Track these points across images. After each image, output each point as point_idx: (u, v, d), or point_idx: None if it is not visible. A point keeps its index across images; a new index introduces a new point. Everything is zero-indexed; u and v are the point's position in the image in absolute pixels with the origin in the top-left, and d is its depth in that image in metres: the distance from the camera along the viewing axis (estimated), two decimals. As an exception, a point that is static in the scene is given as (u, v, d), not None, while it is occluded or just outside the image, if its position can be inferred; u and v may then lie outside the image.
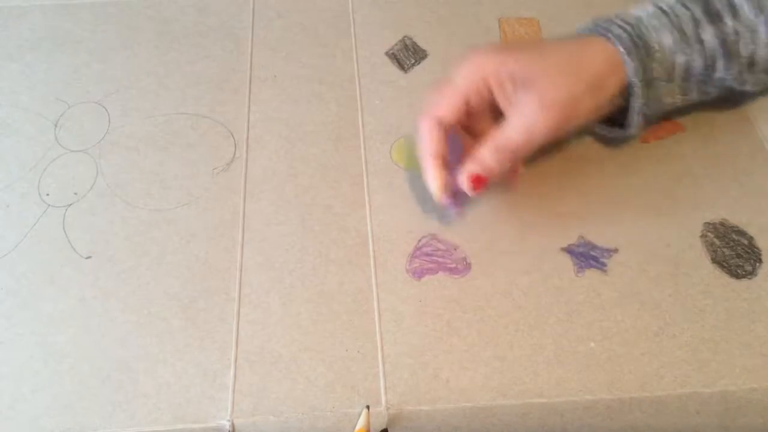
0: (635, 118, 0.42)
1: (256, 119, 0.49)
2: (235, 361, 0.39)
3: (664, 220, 0.44)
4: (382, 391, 0.38)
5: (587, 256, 0.43)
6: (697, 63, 0.42)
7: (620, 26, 0.41)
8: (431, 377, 0.38)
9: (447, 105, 0.40)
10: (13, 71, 0.52)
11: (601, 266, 0.42)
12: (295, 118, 0.49)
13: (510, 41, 0.53)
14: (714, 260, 0.42)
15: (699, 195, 0.45)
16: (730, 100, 0.47)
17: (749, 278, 0.42)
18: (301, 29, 0.54)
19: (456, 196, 0.41)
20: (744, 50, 0.42)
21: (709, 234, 0.43)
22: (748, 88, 0.44)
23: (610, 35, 0.41)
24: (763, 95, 0.49)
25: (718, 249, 0.43)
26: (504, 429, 0.38)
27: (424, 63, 0.52)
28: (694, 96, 0.44)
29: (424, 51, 0.53)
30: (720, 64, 0.42)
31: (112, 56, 0.53)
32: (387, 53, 0.53)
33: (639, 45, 0.40)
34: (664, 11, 0.42)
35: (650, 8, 0.42)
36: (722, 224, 0.44)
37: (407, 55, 0.53)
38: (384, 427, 0.37)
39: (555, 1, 0.56)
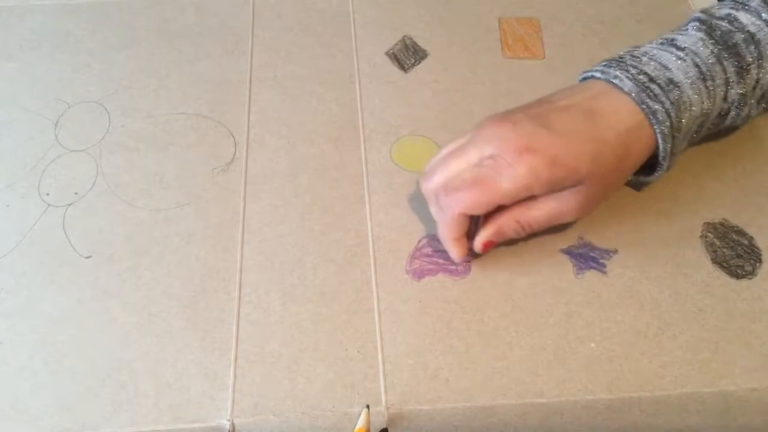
0: (655, 179, 0.43)
1: (256, 119, 0.49)
2: (235, 361, 0.39)
3: (664, 220, 0.44)
4: (382, 391, 0.38)
5: (587, 257, 0.43)
6: (713, 116, 0.42)
7: (664, 108, 0.39)
8: (431, 377, 0.38)
9: (484, 209, 0.39)
10: (13, 71, 0.52)
11: (600, 267, 0.42)
12: (295, 118, 0.49)
13: (510, 42, 0.53)
14: (714, 260, 0.42)
15: (699, 195, 0.45)
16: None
17: (749, 278, 0.42)
18: (301, 29, 0.54)
19: (470, 252, 0.42)
20: (758, 92, 0.42)
21: (709, 234, 0.43)
22: (746, 122, 0.45)
23: (654, 120, 0.39)
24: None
25: (718, 249, 0.43)
26: (504, 429, 0.38)
27: (424, 63, 0.52)
28: (696, 140, 0.44)
29: (424, 51, 0.53)
30: (733, 114, 0.42)
31: (112, 56, 0.53)
32: (387, 53, 0.53)
33: (674, 127, 0.39)
34: (702, 76, 0.40)
35: (692, 71, 0.40)
36: (722, 224, 0.44)
37: (407, 55, 0.53)
38: (384, 426, 0.37)
39: (555, 0, 0.56)
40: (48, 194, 0.45)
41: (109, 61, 0.52)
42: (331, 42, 0.54)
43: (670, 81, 0.39)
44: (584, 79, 0.43)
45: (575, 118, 0.39)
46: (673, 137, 0.39)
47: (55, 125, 0.49)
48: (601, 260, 0.42)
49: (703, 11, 0.43)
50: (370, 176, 0.46)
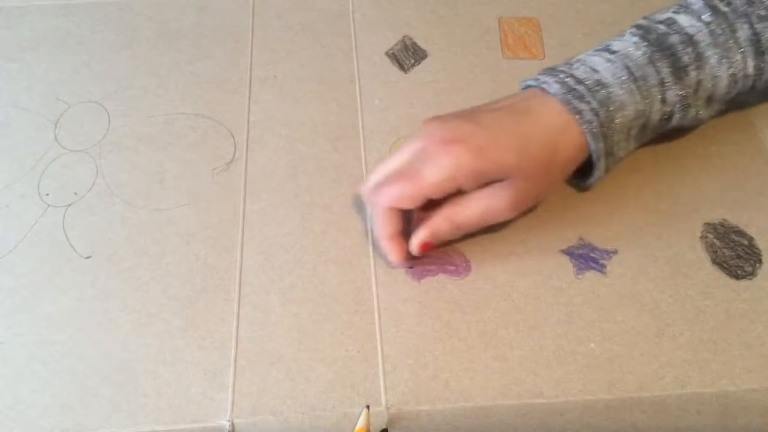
0: (592, 182, 0.43)
1: (256, 119, 0.49)
2: (235, 361, 0.39)
3: (664, 220, 0.44)
4: (382, 391, 0.38)
5: (587, 258, 0.43)
6: (654, 118, 0.42)
7: (591, 108, 0.39)
8: (431, 377, 0.38)
9: (410, 201, 0.39)
10: (13, 71, 0.52)
11: (600, 268, 0.42)
12: (295, 118, 0.49)
13: (510, 42, 0.53)
14: (714, 261, 0.42)
15: (699, 195, 0.45)
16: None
17: (749, 279, 0.42)
18: (301, 29, 0.54)
19: (409, 257, 0.41)
20: (702, 94, 0.42)
21: (709, 235, 0.43)
22: (699, 122, 0.45)
23: (581, 120, 0.39)
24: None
25: (718, 250, 0.43)
26: (504, 429, 0.38)
27: (424, 63, 0.52)
28: (644, 141, 0.44)
29: (424, 51, 0.53)
30: (677, 116, 0.42)
31: (112, 56, 0.53)
32: (387, 53, 0.53)
33: (605, 126, 0.40)
34: (633, 77, 0.40)
35: (621, 72, 0.40)
36: (722, 225, 0.44)
37: (407, 55, 0.53)
38: (384, 427, 0.37)
39: (555, 0, 0.56)
40: (48, 194, 0.45)
41: (109, 61, 0.52)
42: (331, 42, 0.54)
43: (598, 82, 0.40)
44: (523, 89, 0.43)
45: (503, 116, 0.40)
46: (605, 137, 0.40)
47: (55, 125, 0.49)
48: (601, 260, 0.42)
49: (645, 17, 0.44)
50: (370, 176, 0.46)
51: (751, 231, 0.44)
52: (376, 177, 0.41)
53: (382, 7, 0.56)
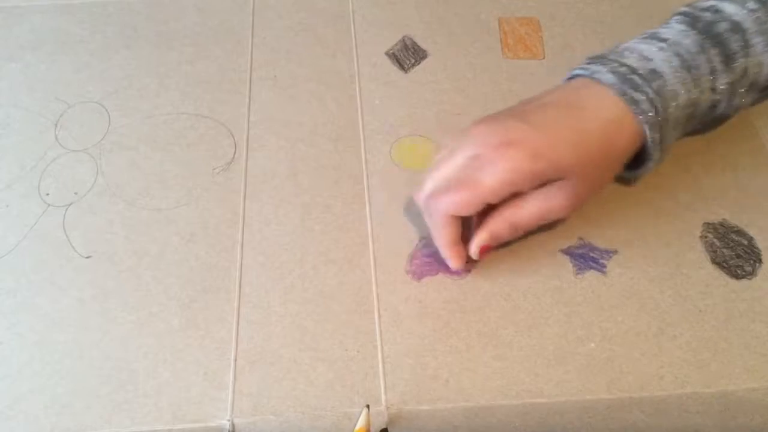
0: (646, 172, 0.42)
1: (256, 119, 0.49)
2: (235, 361, 0.39)
3: (664, 220, 0.44)
4: (382, 390, 0.38)
5: (587, 258, 0.43)
6: (703, 107, 0.41)
7: (648, 98, 0.38)
8: (431, 377, 0.38)
9: (471, 208, 0.39)
10: (13, 71, 0.52)
11: (600, 268, 0.42)
12: (295, 118, 0.49)
13: (510, 42, 0.53)
14: (714, 261, 0.42)
15: (699, 195, 0.45)
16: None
17: (749, 279, 0.42)
18: (301, 29, 0.54)
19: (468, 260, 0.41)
20: (746, 82, 0.42)
21: (708, 234, 0.43)
22: (738, 111, 0.44)
23: (637, 110, 0.38)
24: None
25: (718, 249, 0.43)
26: (504, 429, 0.38)
27: (424, 63, 0.52)
28: (687, 131, 0.43)
29: (424, 51, 0.53)
30: (723, 104, 0.42)
31: (112, 56, 0.53)
32: (387, 53, 0.53)
33: (661, 116, 0.39)
34: (686, 65, 0.40)
35: (674, 59, 0.40)
36: (722, 225, 0.44)
37: (407, 55, 0.53)
38: (384, 426, 0.37)
39: (555, 0, 0.56)
40: (48, 194, 0.45)
41: (109, 61, 0.52)
42: (331, 42, 0.54)
43: (653, 71, 0.39)
44: (570, 78, 0.43)
45: (556, 112, 0.39)
46: (661, 127, 0.39)
47: (55, 125, 0.49)
48: (601, 260, 0.42)
49: (688, 5, 0.43)
50: (370, 176, 0.46)
51: (751, 231, 0.44)
52: (431, 184, 0.40)
53: (382, 7, 0.56)
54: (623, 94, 0.39)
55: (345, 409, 0.37)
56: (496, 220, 0.40)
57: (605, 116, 0.39)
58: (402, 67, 0.52)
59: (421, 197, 0.41)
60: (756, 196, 0.45)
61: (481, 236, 0.40)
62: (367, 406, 0.36)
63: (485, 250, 0.41)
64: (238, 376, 0.38)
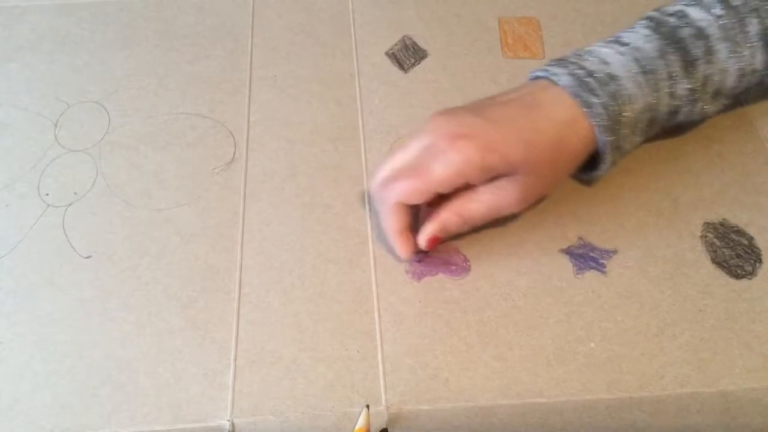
0: (598, 176, 0.43)
1: (256, 119, 0.49)
2: (235, 361, 0.39)
3: (664, 220, 0.44)
4: (382, 390, 0.38)
5: (587, 258, 0.43)
6: (662, 112, 0.41)
7: (601, 102, 0.39)
8: (431, 377, 0.38)
9: (419, 196, 0.39)
10: (13, 71, 0.52)
11: (600, 268, 0.42)
12: (295, 118, 0.49)
13: (510, 42, 0.53)
14: (714, 260, 0.42)
15: (699, 195, 0.45)
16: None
17: (749, 278, 0.42)
18: (301, 29, 0.54)
19: (417, 252, 0.42)
20: (710, 88, 0.42)
21: (709, 234, 0.43)
22: (705, 117, 0.44)
23: (590, 113, 0.39)
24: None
25: (718, 249, 0.43)
26: (504, 429, 0.38)
27: (424, 63, 0.52)
28: (650, 135, 0.44)
29: (424, 51, 0.53)
30: (685, 110, 0.42)
31: (112, 56, 0.53)
32: (387, 53, 0.53)
33: (615, 119, 0.39)
34: (643, 70, 0.40)
35: (632, 65, 0.40)
36: (722, 224, 0.44)
37: (407, 55, 0.53)
38: (384, 426, 0.37)
39: (555, 0, 0.56)
40: (48, 194, 0.45)
41: (109, 61, 0.52)
42: (331, 42, 0.54)
43: (609, 75, 0.40)
44: (532, 79, 0.43)
45: (512, 110, 0.40)
46: (614, 130, 0.40)
47: (55, 125, 0.49)
48: (601, 260, 0.42)
49: (656, 9, 0.43)
50: (370, 176, 0.46)
51: (751, 231, 0.44)
52: (383, 172, 0.41)
53: (382, 7, 0.56)
54: (577, 96, 0.39)
55: (345, 409, 0.37)
56: (445, 211, 0.40)
57: (559, 117, 0.39)
58: (402, 67, 0.52)
59: (372, 185, 0.41)
60: (756, 196, 0.45)
61: (430, 227, 0.40)
62: (367, 406, 0.36)
63: (434, 241, 0.41)
64: (238, 376, 0.38)
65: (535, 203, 0.43)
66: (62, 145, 0.48)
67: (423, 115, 0.49)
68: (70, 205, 0.45)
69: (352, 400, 0.37)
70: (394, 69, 0.52)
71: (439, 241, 0.41)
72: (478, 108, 0.40)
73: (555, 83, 0.40)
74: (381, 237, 0.43)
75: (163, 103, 0.50)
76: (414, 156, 0.39)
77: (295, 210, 0.45)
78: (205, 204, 0.45)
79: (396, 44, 0.54)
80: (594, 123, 0.39)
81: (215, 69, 0.52)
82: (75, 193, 0.45)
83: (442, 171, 0.38)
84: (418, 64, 0.52)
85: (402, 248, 0.41)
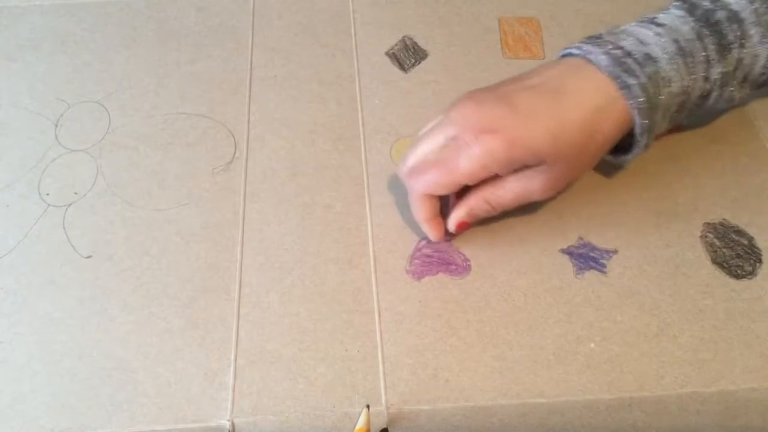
0: (630, 159, 0.42)
1: (256, 119, 0.49)
2: (235, 361, 0.39)
3: (664, 220, 0.44)
4: (382, 390, 0.38)
5: (587, 258, 0.43)
6: (694, 96, 0.41)
7: (640, 83, 0.38)
8: (431, 377, 0.38)
9: (445, 189, 0.40)
10: (13, 71, 0.52)
11: (600, 268, 0.42)
12: (295, 118, 0.49)
13: (510, 42, 0.53)
14: (714, 261, 0.42)
15: (699, 195, 0.45)
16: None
17: (749, 278, 0.42)
18: (301, 29, 0.54)
19: (447, 234, 0.43)
20: (740, 73, 0.41)
21: (709, 234, 0.43)
22: (731, 104, 0.44)
23: (628, 95, 0.38)
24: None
25: (718, 249, 0.43)
26: (504, 429, 0.38)
27: (424, 63, 0.52)
28: (677, 121, 0.43)
29: (424, 51, 0.53)
30: (714, 95, 0.42)
31: (112, 56, 0.53)
32: (387, 53, 0.53)
33: (652, 102, 0.39)
34: (681, 51, 0.39)
35: (670, 45, 0.39)
36: (722, 224, 0.44)
37: (407, 55, 0.53)
38: (384, 426, 0.37)
39: (555, 0, 0.56)
40: (48, 194, 0.45)
41: (109, 61, 0.52)
42: (331, 42, 0.54)
43: (647, 56, 0.39)
44: (563, 56, 0.42)
45: (540, 96, 0.39)
46: (651, 113, 0.39)
47: (55, 125, 0.49)
48: (601, 260, 0.42)
49: None
50: (370, 176, 0.46)
51: (751, 231, 0.44)
52: (411, 159, 0.41)
53: (382, 7, 0.56)
54: (616, 77, 0.38)
55: (345, 409, 0.37)
56: (473, 198, 0.40)
57: (591, 103, 0.38)
58: (402, 67, 0.52)
59: (401, 172, 0.42)
60: (756, 196, 0.45)
61: (459, 212, 0.41)
62: (367, 406, 0.36)
63: (463, 226, 0.42)
64: (238, 376, 0.38)
65: (565, 189, 0.43)
66: (62, 145, 0.48)
67: (423, 115, 0.49)
68: (70, 205, 0.45)
69: (352, 400, 0.37)
70: (395, 69, 0.52)
71: (467, 226, 0.42)
72: (504, 94, 0.39)
73: (589, 62, 0.39)
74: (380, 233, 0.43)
75: (163, 103, 0.50)
76: (439, 146, 0.39)
77: (295, 210, 0.45)
78: (205, 204, 0.45)
79: (396, 44, 0.54)
80: (632, 105, 0.38)
81: (215, 69, 0.52)
82: (75, 193, 0.45)
83: (468, 165, 0.38)
84: (419, 64, 0.52)
85: (432, 233, 0.42)
